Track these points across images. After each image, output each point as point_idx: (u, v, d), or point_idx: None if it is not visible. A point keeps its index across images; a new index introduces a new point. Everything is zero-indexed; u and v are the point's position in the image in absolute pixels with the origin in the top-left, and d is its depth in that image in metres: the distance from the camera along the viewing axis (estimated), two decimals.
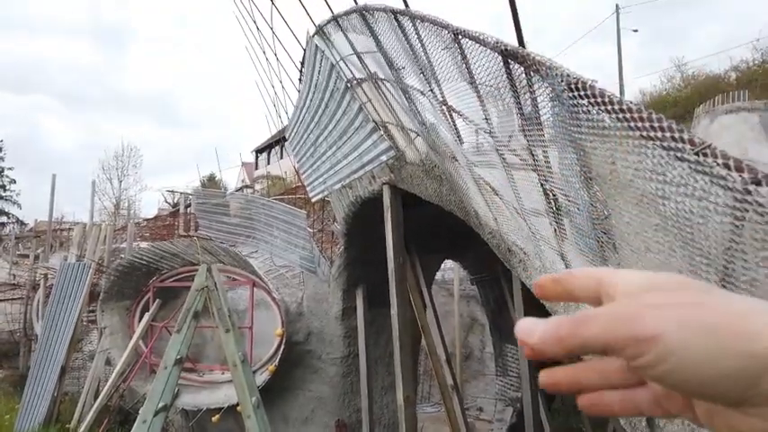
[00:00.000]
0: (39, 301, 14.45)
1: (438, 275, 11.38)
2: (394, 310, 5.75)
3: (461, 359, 12.00)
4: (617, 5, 28.36)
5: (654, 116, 1.10)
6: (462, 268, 11.43)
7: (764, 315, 0.35)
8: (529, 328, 0.41)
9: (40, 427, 9.40)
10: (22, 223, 40.01)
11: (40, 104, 74.97)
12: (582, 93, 1.29)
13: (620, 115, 1.18)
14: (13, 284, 18.02)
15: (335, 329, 8.39)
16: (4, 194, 41.95)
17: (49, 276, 13.97)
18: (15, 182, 42.64)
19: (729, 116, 10.97)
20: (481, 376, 12.44)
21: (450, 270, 13.15)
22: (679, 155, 1.05)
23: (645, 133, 1.12)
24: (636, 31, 29.44)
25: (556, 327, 0.40)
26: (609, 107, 1.21)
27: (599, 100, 1.25)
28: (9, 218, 41.73)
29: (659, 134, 1.09)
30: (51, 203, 16.96)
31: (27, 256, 20.39)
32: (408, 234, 6.30)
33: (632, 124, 1.15)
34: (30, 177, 54.40)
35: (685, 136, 1.03)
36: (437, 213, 6.74)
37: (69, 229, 21.38)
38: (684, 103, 18.42)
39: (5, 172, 42.32)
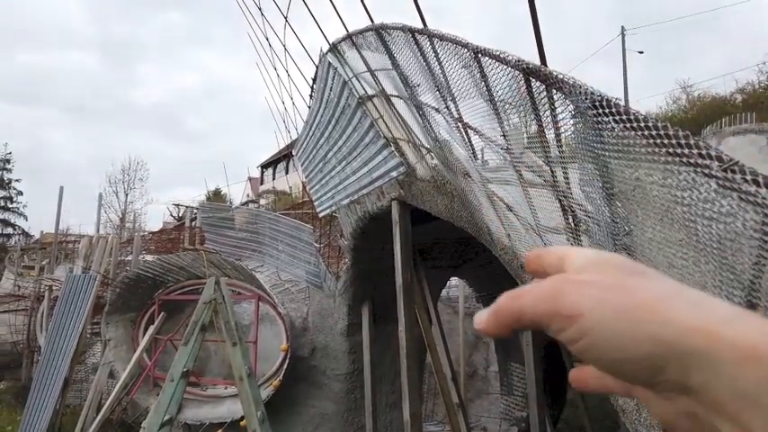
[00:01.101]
0: (43, 312, 14.45)
1: (443, 293, 11.35)
2: (402, 327, 5.73)
3: (465, 378, 11.91)
4: (623, 27, 28.67)
5: (681, 133, 1.13)
6: (468, 286, 11.40)
7: (684, 300, 0.35)
8: (479, 315, 0.44)
9: None
10: (27, 235, 40.16)
11: (47, 117, 75.73)
12: (607, 110, 1.32)
13: (646, 132, 1.20)
14: (18, 296, 18.02)
15: (340, 345, 8.37)
16: (10, 206, 42.20)
17: (54, 288, 13.99)
18: (22, 193, 42.93)
19: (736, 137, 11.01)
20: (485, 395, 12.33)
21: (455, 288, 13.12)
22: (707, 171, 1.07)
23: (671, 150, 1.14)
24: (641, 52, 29.71)
25: (494, 305, 0.42)
26: (635, 124, 1.24)
27: (624, 117, 1.27)
28: (15, 229, 41.92)
29: (686, 151, 1.12)
30: (58, 215, 17.08)
31: (32, 268, 20.44)
32: (414, 250, 6.31)
33: (658, 141, 1.17)
34: (36, 189, 54.76)
35: (713, 153, 1.06)
36: (444, 230, 6.76)
37: (75, 241, 21.45)
38: (691, 124, 18.51)
39: (13, 183, 42.62)
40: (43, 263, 19.42)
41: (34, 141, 69.02)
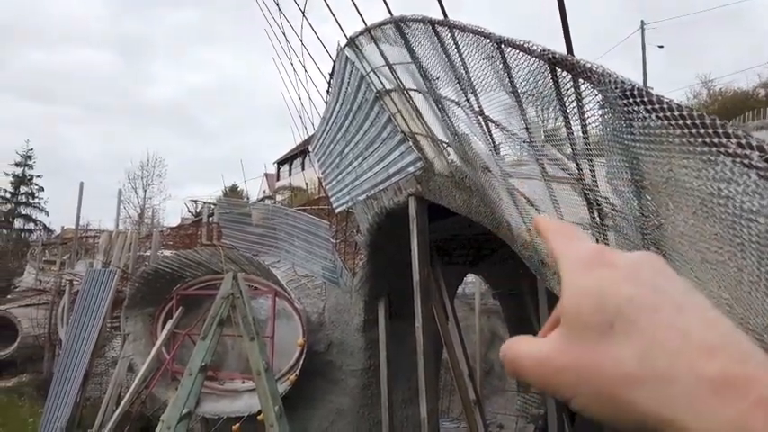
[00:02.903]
0: (64, 306, 14.68)
1: (459, 290, 11.29)
2: (418, 323, 5.71)
3: (481, 375, 11.84)
4: (642, 21, 28.25)
5: (718, 122, 1.08)
6: (484, 282, 11.34)
7: (648, 384, 0.34)
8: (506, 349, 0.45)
9: (63, 431, 9.50)
10: (48, 230, 40.82)
11: (64, 114, 76.97)
12: (638, 99, 1.28)
13: (681, 122, 1.16)
14: (40, 290, 18.33)
15: (356, 341, 8.37)
16: (32, 202, 42.91)
17: (75, 282, 14.19)
18: (43, 189, 43.63)
19: (761, 132, 10.79)
20: (501, 392, 12.27)
21: (470, 284, 13.06)
22: (746, 162, 1.03)
23: (708, 140, 1.09)
24: (661, 47, 29.24)
25: (510, 352, 0.43)
26: (668, 113, 1.19)
27: (656, 107, 1.23)
28: (36, 225, 42.63)
29: (724, 140, 1.07)
30: (78, 211, 17.30)
31: (53, 263, 20.77)
32: (431, 246, 6.27)
33: (693, 131, 1.13)
34: (55, 185, 55.68)
35: (753, 142, 1.01)
36: (462, 226, 6.71)
37: (95, 236, 21.75)
38: None
39: (34, 180, 43.33)
40: (64, 258, 19.73)
41: (53, 138, 70.16)
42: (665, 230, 1.47)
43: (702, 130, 1.11)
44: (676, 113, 1.17)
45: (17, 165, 42.60)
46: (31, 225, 42.65)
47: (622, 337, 0.35)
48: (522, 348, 0.41)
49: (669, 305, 0.35)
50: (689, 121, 1.14)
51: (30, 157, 43.23)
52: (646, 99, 1.27)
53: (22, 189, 42.67)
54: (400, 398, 8.39)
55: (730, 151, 1.06)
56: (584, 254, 0.40)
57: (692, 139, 1.14)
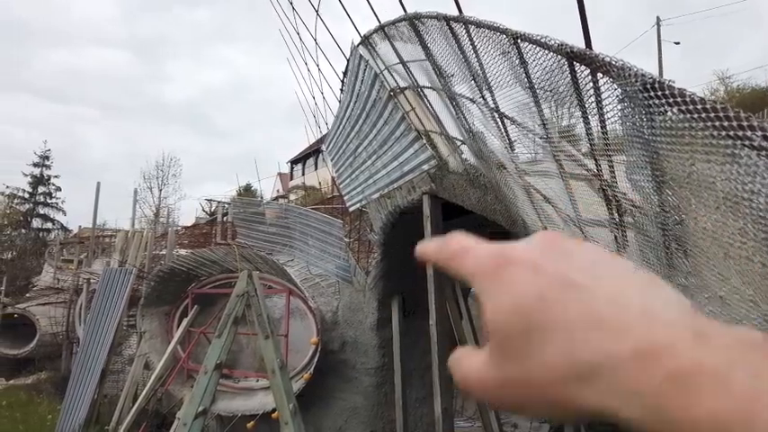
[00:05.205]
0: (81, 305, 14.86)
1: (473, 288, 11.24)
2: (432, 321, 5.70)
3: None
4: (658, 17, 27.92)
5: (742, 115, 1.06)
6: None
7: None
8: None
9: (81, 428, 9.63)
10: (66, 229, 41.37)
11: (81, 114, 78.12)
12: (659, 93, 1.26)
13: (704, 115, 1.14)
14: (57, 288, 18.58)
15: (370, 339, 8.37)
16: (50, 202, 43.50)
17: (92, 281, 14.37)
18: (60, 189, 44.21)
19: None
20: None
21: None
22: None
23: (732, 133, 1.07)
24: (677, 43, 28.89)
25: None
26: (690, 107, 1.17)
27: (678, 100, 1.21)
28: (54, 224, 43.20)
29: (748, 133, 1.05)
30: (95, 210, 17.53)
31: (71, 262, 21.03)
32: None
33: (717, 124, 1.11)
34: (72, 185, 56.49)
35: None
36: (476, 224, 6.68)
37: (111, 235, 22.00)
38: None
39: (52, 180, 43.92)
40: (81, 257, 19.98)
41: (70, 138, 71.26)
42: (686, 226, 1.45)
43: (726, 123, 1.09)
44: (699, 107, 1.15)
45: (35, 165, 43.23)
46: (49, 224, 43.23)
47: (543, 339, 0.33)
48: (465, 365, 0.40)
49: (577, 294, 0.33)
50: (712, 114, 1.12)
51: (47, 158, 43.84)
52: (668, 92, 1.25)
53: (40, 189, 43.27)
54: (414, 396, 8.38)
55: (755, 144, 1.04)
56: (484, 261, 0.39)
57: (715, 132, 1.12)
